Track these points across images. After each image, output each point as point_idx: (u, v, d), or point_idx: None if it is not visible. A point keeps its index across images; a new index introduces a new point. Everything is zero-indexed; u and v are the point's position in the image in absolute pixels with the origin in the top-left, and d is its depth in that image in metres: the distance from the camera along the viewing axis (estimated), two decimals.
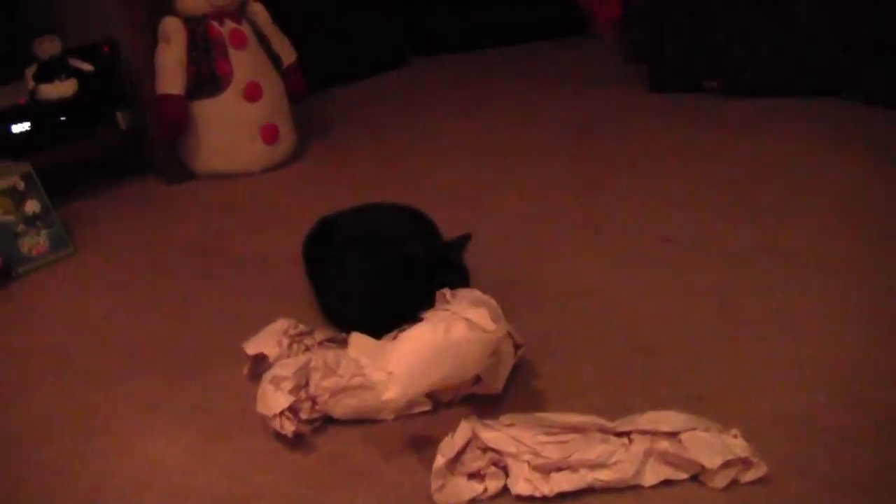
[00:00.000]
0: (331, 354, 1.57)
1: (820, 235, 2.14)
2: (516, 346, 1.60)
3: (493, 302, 1.54)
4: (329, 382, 1.53)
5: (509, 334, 1.57)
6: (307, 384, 1.53)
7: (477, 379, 1.53)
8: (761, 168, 2.61)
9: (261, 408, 1.51)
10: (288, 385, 1.50)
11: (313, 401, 1.53)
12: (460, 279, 1.72)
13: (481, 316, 1.45)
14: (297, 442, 1.49)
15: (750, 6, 3.21)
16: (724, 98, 3.28)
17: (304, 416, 1.51)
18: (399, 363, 1.39)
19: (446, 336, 1.40)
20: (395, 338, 1.52)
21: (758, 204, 2.36)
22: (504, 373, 1.55)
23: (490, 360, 1.47)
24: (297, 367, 1.54)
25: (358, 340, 1.57)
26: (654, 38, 3.48)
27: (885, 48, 2.99)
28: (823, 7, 3.10)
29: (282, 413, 1.48)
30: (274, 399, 1.49)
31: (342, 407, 1.53)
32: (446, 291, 1.58)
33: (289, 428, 1.47)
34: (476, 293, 1.57)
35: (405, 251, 1.71)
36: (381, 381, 1.40)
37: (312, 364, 1.54)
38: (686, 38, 3.35)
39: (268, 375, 1.54)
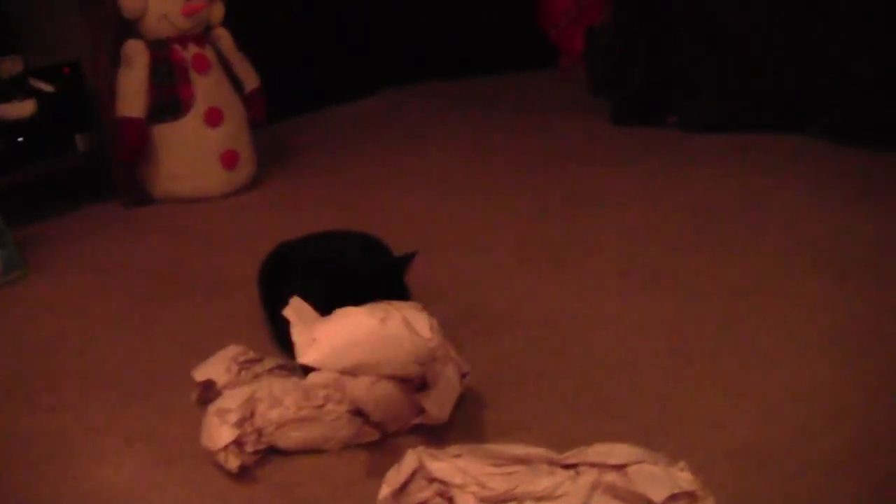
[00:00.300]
0: (277, 384, 1.55)
1: (779, 269, 2.15)
2: (462, 375, 1.59)
3: (432, 319, 1.54)
4: (275, 414, 1.51)
5: (455, 361, 1.56)
6: (252, 415, 1.52)
7: (421, 410, 1.52)
8: (721, 202, 2.63)
9: (205, 441, 1.50)
10: (233, 417, 1.49)
11: (259, 432, 1.51)
12: (400, 297, 1.72)
13: (418, 320, 1.46)
14: (244, 472, 1.48)
15: (711, 42, 3.25)
16: (687, 133, 3.30)
17: (249, 448, 1.49)
18: (327, 334, 1.40)
19: (381, 325, 1.42)
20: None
21: (717, 237, 2.37)
22: (450, 402, 1.54)
23: (416, 368, 1.46)
24: (243, 398, 1.52)
25: (296, 303, 1.55)
26: (616, 73, 3.51)
27: (847, 84, 3.02)
28: (786, 44, 3.13)
29: (226, 447, 1.47)
30: (218, 433, 1.48)
31: (288, 439, 1.52)
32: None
33: (233, 463, 1.46)
34: (417, 305, 1.57)
35: (341, 267, 1.71)
36: (304, 343, 1.39)
37: (258, 395, 1.53)
38: (647, 72, 3.39)
39: (213, 407, 1.53)
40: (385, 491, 1.31)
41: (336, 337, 1.41)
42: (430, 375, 1.51)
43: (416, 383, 1.51)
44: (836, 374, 1.69)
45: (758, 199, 2.63)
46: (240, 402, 1.51)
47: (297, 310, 1.54)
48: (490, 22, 4.51)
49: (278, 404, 1.52)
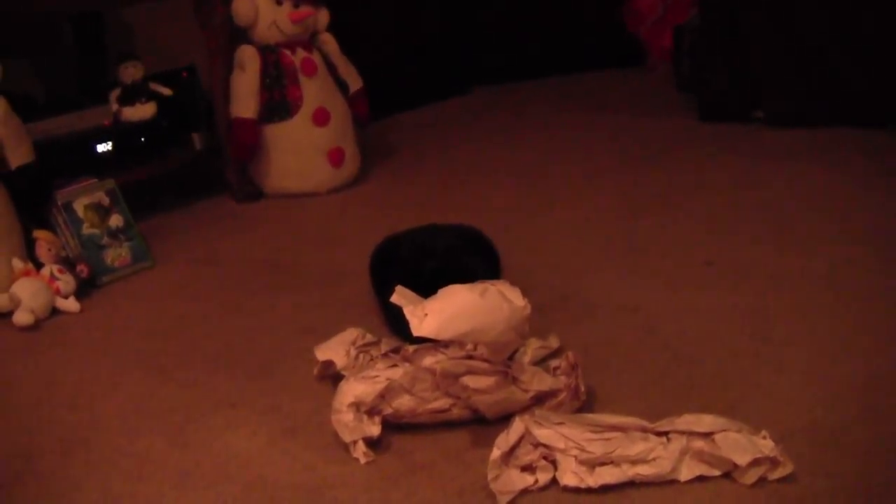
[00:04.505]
0: (409, 374, 1.64)
1: (858, 262, 2.21)
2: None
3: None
4: (406, 404, 1.63)
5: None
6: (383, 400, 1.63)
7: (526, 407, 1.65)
8: (802, 196, 2.69)
9: (340, 431, 1.61)
10: (364, 408, 1.61)
11: (389, 417, 1.64)
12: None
13: (513, 292, 1.58)
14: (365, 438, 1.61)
15: (792, 38, 3.31)
16: (771, 128, 3.37)
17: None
18: (435, 308, 1.53)
19: (482, 297, 1.54)
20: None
21: (798, 230, 2.44)
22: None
23: (513, 335, 1.58)
24: (376, 392, 1.62)
25: (401, 290, 1.68)
26: (702, 69, 3.59)
27: None
28: (871, 39, 3.18)
29: (355, 442, 1.59)
30: (356, 427, 1.60)
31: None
32: None
33: (363, 457, 1.57)
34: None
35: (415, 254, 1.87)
36: (417, 318, 1.53)
37: (391, 386, 1.63)
38: (732, 69, 3.45)
39: (346, 398, 1.62)
40: (496, 454, 1.45)
41: (444, 311, 1.53)
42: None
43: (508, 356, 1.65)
44: None
45: (839, 193, 2.68)
46: (373, 397, 1.61)
47: (403, 295, 1.68)
48: (578, 21, 4.60)
49: (408, 392, 1.63)
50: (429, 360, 1.64)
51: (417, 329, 1.52)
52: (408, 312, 1.59)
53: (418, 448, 1.61)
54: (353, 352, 1.81)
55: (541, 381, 1.64)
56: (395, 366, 1.67)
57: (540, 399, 1.64)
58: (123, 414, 1.82)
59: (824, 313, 1.99)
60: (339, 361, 1.80)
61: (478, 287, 1.58)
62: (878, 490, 1.41)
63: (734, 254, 2.33)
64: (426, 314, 1.53)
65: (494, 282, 1.64)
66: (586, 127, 3.70)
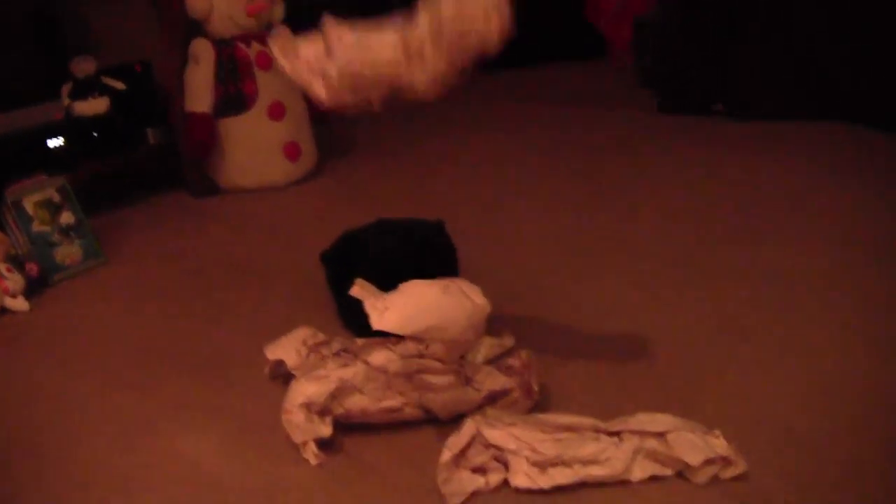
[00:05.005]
0: (360, 373, 1.62)
1: (819, 256, 2.23)
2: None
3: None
4: (357, 403, 1.61)
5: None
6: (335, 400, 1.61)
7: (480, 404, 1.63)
8: (764, 189, 2.70)
9: (290, 431, 1.60)
10: (316, 409, 1.60)
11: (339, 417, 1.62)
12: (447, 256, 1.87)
13: (473, 290, 1.60)
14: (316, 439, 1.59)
15: (755, 31, 3.31)
16: (731, 121, 3.38)
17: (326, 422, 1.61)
18: (397, 303, 1.53)
19: (444, 292, 1.54)
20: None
21: (759, 224, 2.45)
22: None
23: (473, 333, 1.59)
24: (328, 391, 1.60)
25: (361, 283, 1.66)
26: (663, 63, 3.59)
27: (890, 73, 3.08)
28: (828, 32, 3.19)
29: (307, 442, 1.58)
30: (306, 428, 1.58)
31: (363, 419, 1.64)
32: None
33: (314, 458, 1.56)
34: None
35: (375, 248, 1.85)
36: (377, 311, 1.52)
37: (341, 385, 1.61)
38: (692, 61, 3.46)
39: (297, 398, 1.60)
40: (446, 455, 1.44)
41: (406, 306, 1.53)
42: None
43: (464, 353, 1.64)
44: (868, 356, 1.78)
45: (800, 186, 2.70)
46: (324, 397, 1.59)
47: (363, 287, 1.67)
48: (539, 13, 4.58)
49: (359, 392, 1.61)
50: (379, 358, 1.62)
51: (378, 323, 1.52)
52: (368, 306, 1.58)
53: (369, 450, 1.60)
54: (303, 351, 1.79)
55: (494, 381, 1.62)
56: (346, 365, 1.65)
57: (493, 398, 1.62)
58: (69, 416, 1.79)
59: (781, 306, 1.99)
60: (290, 361, 1.78)
61: (440, 283, 1.57)
62: (831, 488, 1.41)
63: (695, 249, 2.33)
64: (387, 308, 1.52)
65: (455, 279, 1.63)
66: (547, 120, 3.68)
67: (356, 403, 1.61)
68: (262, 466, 1.58)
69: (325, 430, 1.59)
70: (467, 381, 1.62)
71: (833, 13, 3.18)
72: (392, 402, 1.61)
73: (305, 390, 1.61)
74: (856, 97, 3.19)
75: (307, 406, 1.59)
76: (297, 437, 1.58)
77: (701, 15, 3.41)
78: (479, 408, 1.61)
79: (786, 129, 3.23)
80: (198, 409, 1.77)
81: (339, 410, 1.61)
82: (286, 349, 1.80)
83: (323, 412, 1.60)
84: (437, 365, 1.59)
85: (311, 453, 1.57)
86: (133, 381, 1.91)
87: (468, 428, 1.48)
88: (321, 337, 1.83)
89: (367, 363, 1.62)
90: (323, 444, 1.59)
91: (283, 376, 1.78)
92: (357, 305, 1.75)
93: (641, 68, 3.99)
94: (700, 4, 3.41)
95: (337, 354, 1.74)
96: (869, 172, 2.78)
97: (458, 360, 1.63)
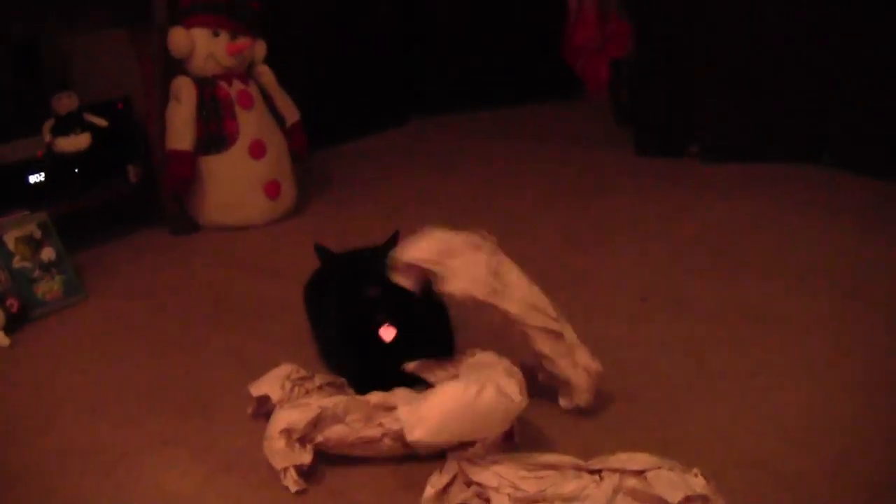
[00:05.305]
0: (341, 404, 1.64)
1: (792, 294, 2.26)
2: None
3: (521, 375, 1.63)
4: (336, 432, 1.62)
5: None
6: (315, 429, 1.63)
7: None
8: (737, 229, 2.75)
9: (270, 458, 1.61)
10: (296, 435, 1.61)
11: (320, 446, 1.63)
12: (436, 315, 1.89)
13: (511, 386, 1.56)
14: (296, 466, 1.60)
15: (729, 76, 3.37)
16: (707, 163, 3.43)
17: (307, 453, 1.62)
18: (430, 411, 1.51)
19: (477, 397, 1.51)
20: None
21: (733, 263, 2.48)
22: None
23: (506, 426, 1.58)
24: (307, 420, 1.61)
25: (398, 390, 1.68)
26: (637, 105, 3.63)
27: (860, 115, 3.14)
28: (801, 75, 3.26)
29: (287, 469, 1.58)
30: (284, 455, 1.59)
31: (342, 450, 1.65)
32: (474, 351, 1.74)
33: (294, 486, 1.57)
34: (506, 362, 1.67)
35: (363, 295, 1.83)
36: (410, 421, 1.52)
37: (322, 414, 1.62)
38: (668, 104, 3.51)
39: (278, 425, 1.62)
40: (429, 492, 1.45)
41: (438, 413, 1.51)
42: None
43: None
44: (842, 393, 1.81)
45: (772, 227, 2.75)
46: (304, 424, 1.60)
47: (397, 393, 1.68)
48: (515, 53, 4.64)
49: (340, 421, 1.62)
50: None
51: (410, 434, 1.51)
52: (401, 412, 1.58)
53: (352, 487, 1.60)
54: (287, 385, 1.80)
55: None
56: (329, 395, 1.66)
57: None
58: (53, 452, 1.78)
59: (760, 345, 2.03)
60: (275, 395, 1.79)
61: (474, 385, 1.54)
62: None
63: (669, 287, 2.36)
64: (421, 419, 1.51)
65: (493, 374, 1.60)
66: (524, 159, 3.72)
67: (336, 432, 1.62)
68: (247, 502, 1.58)
69: (306, 457, 1.60)
70: None
71: (799, 57, 3.25)
72: (371, 431, 1.62)
73: (287, 417, 1.62)
74: (822, 140, 3.27)
75: (288, 432, 1.60)
76: (278, 464, 1.59)
77: (676, 58, 3.46)
78: (459, 446, 1.62)
79: (760, 171, 3.29)
80: (182, 446, 1.77)
81: (319, 438, 1.62)
82: (271, 384, 1.81)
83: (303, 439, 1.61)
84: None
85: (292, 480, 1.57)
86: (115, 417, 1.90)
87: (450, 465, 1.49)
88: (304, 373, 1.84)
89: (349, 394, 1.63)
90: (303, 473, 1.60)
91: (266, 414, 1.79)
92: (332, 344, 1.77)
93: (618, 109, 4.04)
94: (675, 48, 3.45)
95: (321, 388, 1.77)
96: (840, 211, 2.84)
97: None
